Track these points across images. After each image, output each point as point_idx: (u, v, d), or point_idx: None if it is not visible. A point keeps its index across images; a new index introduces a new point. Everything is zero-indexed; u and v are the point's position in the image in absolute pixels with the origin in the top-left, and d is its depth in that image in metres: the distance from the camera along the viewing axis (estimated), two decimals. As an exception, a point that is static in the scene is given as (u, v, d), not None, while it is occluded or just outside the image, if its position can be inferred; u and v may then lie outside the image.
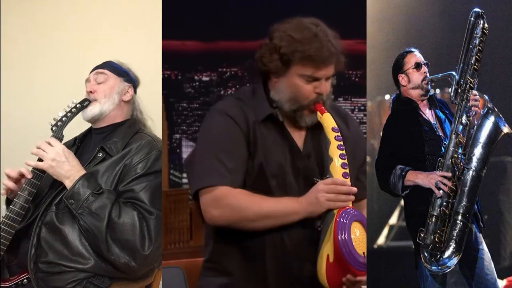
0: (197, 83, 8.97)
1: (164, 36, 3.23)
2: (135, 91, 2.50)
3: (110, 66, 2.46)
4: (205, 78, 8.97)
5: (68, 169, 2.18)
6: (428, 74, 2.38)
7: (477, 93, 2.26)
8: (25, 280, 2.19)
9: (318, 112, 1.91)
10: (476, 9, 2.27)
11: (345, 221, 1.79)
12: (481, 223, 2.30)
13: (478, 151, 2.20)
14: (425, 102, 2.40)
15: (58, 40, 3.58)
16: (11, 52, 3.57)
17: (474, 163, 2.20)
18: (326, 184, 1.83)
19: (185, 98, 8.99)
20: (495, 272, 2.29)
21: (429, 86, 2.38)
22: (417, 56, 2.40)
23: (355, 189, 1.85)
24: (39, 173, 2.21)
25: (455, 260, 2.14)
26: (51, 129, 2.29)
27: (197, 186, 1.88)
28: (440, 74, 2.33)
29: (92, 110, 2.36)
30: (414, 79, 2.38)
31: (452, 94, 2.26)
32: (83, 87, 2.45)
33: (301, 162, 1.94)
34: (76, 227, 2.16)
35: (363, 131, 2.60)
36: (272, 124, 1.94)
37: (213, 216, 1.86)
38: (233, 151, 1.89)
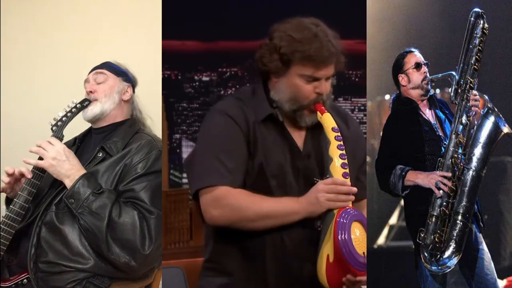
0: (197, 83, 8.97)
1: (164, 36, 3.23)
2: (133, 91, 2.51)
3: (109, 67, 2.47)
4: (205, 78, 8.97)
5: (68, 168, 2.18)
6: (428, 74, 2.38)
7: (477, 93, 2.25)
8: (25, 280, 2.19)
9: (318, 112, 1.91)
10: (476, 9, 2.27)
11: (345, 221, 1.79)
12: (481, 223, 2.30)
13: (478, 151, 2.20)
14: (425, 102, 2.40)
15: (58, 40, 3.59)
16: (11, 52, 3.57)
17: (474, 163, 2.20)
18: (326, 184, 1.83)
19: (185, 98, 8.99)
20: (495, 272, 2.29)
21: (429, 86, 2.38)
22: (417, 56, 2.40)
23: (355, 189, 1.85)
24: (39, 173, 2.21)
25: (455, 260, 2.14)
26: (51, 129, 2.29)
27: (197, 186, 1.88)
28: (440, 74, 2.33)
29: (93, 109, 2.36)
30: (414, 79, 2.38)
31: (452, 94, 2.26)
32: (83, 87, 2.45)
33: (301, 162, 1.94)
34: (76, 227, 2.16)
35: (363, 131, 2.60)
36: (272, 124, 1.94)
37: (213, 216, 1.86)
38: (233, 151, 1.89)
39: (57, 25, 3.60)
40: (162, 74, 3.82)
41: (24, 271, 2.19)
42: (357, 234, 1.80)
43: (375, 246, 4.17)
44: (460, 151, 2.20)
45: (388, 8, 4.23)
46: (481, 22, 2.25)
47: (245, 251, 1.90)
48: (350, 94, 8.12)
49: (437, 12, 4.17)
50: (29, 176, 2.20)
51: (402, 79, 2.40)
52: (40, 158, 2.20)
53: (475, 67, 2.23)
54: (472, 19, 2.26)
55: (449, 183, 2.16)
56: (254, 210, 1.84)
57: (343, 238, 1.77)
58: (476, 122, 2.25)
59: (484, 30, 2.25)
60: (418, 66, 2.38)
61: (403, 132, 2.32)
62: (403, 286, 3.35)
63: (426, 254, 2.16)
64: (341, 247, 1.76)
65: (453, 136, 2.21)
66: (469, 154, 2.20)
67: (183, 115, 9.13)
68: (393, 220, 4.22)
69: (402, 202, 2.70)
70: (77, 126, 2.43)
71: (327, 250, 1.80)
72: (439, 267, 2.14)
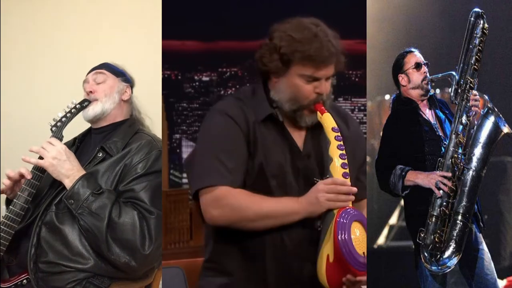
0: (197, 83, 8.97)
1: (164, 36, 3.23)
2: (131, 91, 2.51)
3: (107, 67, 2.47)
4: (205, 78, 8.97)
5: (68, 168, 2.18)
6: (428, 74, 2.38)
7: (477, 93, 2.25)
8: (24, 281, 2.19)
9: (318, 112, 1.91)
10: (476, 9, 2.27)
11: (345, 221, 1.79)
12: (481, 223, 2.30)
13: (478, 151, 2.20)
14: (425, 102, 2.40)
15: (58, 40, 3.59)
16: (11, 52, 3.57)
17: (474, 163, 2.19)
18: (326, 184, 1.83)
19: (185, 98, 8.99)
20: (495, 272, 2.29)
21: (429, 86, 2.38)
22: (417, 56, 2.40)
23: (355, 189, 1.85)
24: (38, 173, 2.21)
25: (455, 260, 2.14)
26: (51, 129, 2.29)
27: (197, 186, 1.88)
28: (440, 74, 2.33)
29: (94, 109, 2.36)
30: (414, 79, 2.38)
31: (452, 94, 2.26)
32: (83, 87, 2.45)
33: (301, 162, 1.94)
34: (76, 227, 2.16)
35: (363, 131, 2.60)
36: (272, 124, 1.94)
37: (213, 216, 1.86)
38: (233, 151, 1.88)
39: (57, 25, 3.60)
40: (162, 74, 3.82)
41: (24, 271, 2.19)
42: (357, 234, 1.80)
43: (375, 246, 4.17)
44: (460, 151, 2.20)
45: (388, 8, 4.24)
46: (481, 22, 2.25)
47: (245, 251, 1.90)
48: (350, 94, 8.13)
49: (437, 12, 4.17)
50: (29, 177, 2.20)
51: (402, 79, 2.40)
52: (41, 158, 2.20)
53: (475, 67, 2.23)
54: (472, 19, 2.26)
55: (449, 183, 2.16)
56: (254, 210, 1.84)
57: (343, 238, 1.77)
58: (476, 122, 2.25)
59: (484, 30, 2.25)
60: (418, 66, 2.38)
61: (403, 132, 2.32)
62: (403, 286, 3.35)
63: (426, 254, 2.16)
64: (341, 247, 1.76)
65: (453, 136, 2.21)
66: (469, 154, 2.20)
67: (183, 115, 9.13)
68: (393, 220, 4.22)
69: (402, 202, 2.70)
70: (77, 127, 2.43)
71: (327, 250, 1.80)
72: (439, 267, 2.14)
